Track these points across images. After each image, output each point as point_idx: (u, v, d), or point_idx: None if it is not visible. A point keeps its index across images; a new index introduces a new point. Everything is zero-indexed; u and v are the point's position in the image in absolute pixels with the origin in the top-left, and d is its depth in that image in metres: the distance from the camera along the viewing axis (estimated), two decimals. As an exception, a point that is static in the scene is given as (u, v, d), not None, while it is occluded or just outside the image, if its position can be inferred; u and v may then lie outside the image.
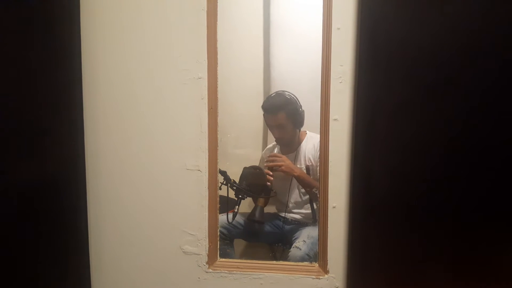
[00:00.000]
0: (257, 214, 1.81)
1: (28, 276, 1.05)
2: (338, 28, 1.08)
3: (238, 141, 2.22)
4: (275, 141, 2.00)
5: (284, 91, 1.92)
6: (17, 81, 0.98)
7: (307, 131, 1.98)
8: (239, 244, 2.01)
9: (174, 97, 1.18)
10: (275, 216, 2.02)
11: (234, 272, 1.22)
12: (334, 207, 1.15)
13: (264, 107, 1.91)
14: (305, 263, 1.25)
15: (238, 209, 1.78)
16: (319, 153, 1.18)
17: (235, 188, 1.79)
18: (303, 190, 1.91)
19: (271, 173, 1.86)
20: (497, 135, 1.03)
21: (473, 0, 1.00)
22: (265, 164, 1.89)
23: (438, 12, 1.02)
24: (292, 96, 1.88)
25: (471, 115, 1.04)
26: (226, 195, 1.75)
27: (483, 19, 1.01)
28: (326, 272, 1.18)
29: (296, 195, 1.95)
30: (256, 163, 2.09)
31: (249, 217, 1.83)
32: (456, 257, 1.09)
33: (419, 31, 1.03)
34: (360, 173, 1.11)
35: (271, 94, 1.96)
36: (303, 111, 1.89)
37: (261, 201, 1.85)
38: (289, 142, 1.95)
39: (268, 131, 2.03)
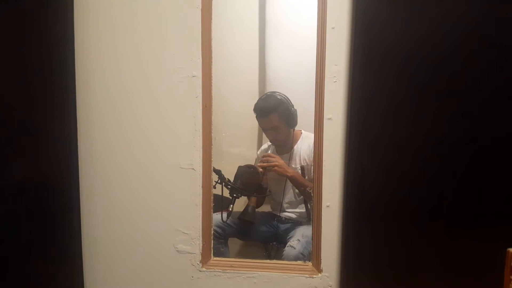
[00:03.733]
0: (248, 213, 1.81)
1: (20, 276, 1.05)
2: (333, 28, 1.09)
3: (233, 140, 2.22)
4: (270, 142, 2.00)
5: (274, 91, 1.91)
6: (9, 80, 0.97)
7: (303, 131, 1.97)
8: (234, 243, 2.01)
9: (168, 95, 1.18)
10: (270, 215, 2.02)
11: (228, 271, 1.22)
12: (328, 206, 1.15)
13: (256, 110, 1.90)
14: (299, 262, 1.26)
15: (232, 208, 1.78)
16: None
17: (229, 187, 1.78)
18: (297, 190, 1.91)
19: (262, 170, 1.86)
20: (491, 135, 1.04)
21: (466, 3, 1.01)
22: (259, 164, 1.89)
23: (433, 12, 1.02)
24: (283, 96, 1.87)
25: (465, 115, 1.04)
26: (220, 194, 1.75)
27: (477, 20, 1.01)
28: (320, 271, 1.18)
29: (290, 194, 1.95)
30: (251, 162, 2.09)
31: (240, 217, 1.82)
32: (449, 256, 1.10)
33: (413, 31, 1.04)
34: (354, 172, 1.12)
35: (262, 96, 1.95)
36: (295, 110, 1.88)
37: (253, 200, 1.84)
38: (284, 143, 1.95)
39: (263, 132, 2.03)
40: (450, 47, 1.03)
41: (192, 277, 1.24)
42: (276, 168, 1.81)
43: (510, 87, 1.01)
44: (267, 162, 1.84)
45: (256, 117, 1.91)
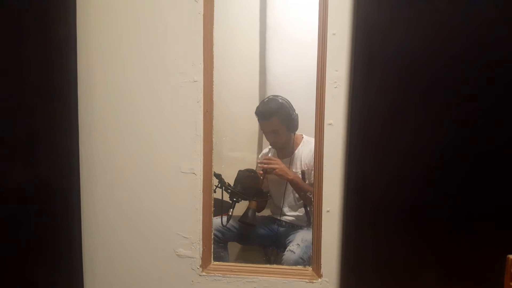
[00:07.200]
0: (248, 216, 1.81)
1: (20, 278, 1.05)
2: (334, 34, 1.09)
3: (233, 144, 2.22)
4: (270, 145, 2.00)
5: (276, 95, 1.92)
6: (11, 83, 0.98)
7: (304, 135, 1.98)
8: (233, 247, 2.00)
9: (170, 100, 1.18)
10: (270, 219, 2.02)
11: (228, 275, 1.22)
12: (328, 211, 1.15)
13: (257, 113, 1.91)
14: (299, 266, 1.25)
15: (232, 212, 1.78)
16: (315, 157, 1.18)
17: (229, 191, 1.79)
18: (297, 195, 1.91)
19: (262, 172, 1.86)
20: (491, 139, 1.04)
21: (467, 9, 1.01)
22: (259, 165, 1.89)
23: (433, 18, 1.03)
24: (285, 100, 1.89)
25: (465, 120, 1.05)
26: (220, 198, 1.75)
27: (478, 26, 1.02)
28: (320, 276, 1.18)
29: (290, 198, 1.95)
30: (251, 166, 2.09)
31: (241, 219, 1.83)
32: (450, 262, 1.10)
33: (414, 37, 1.04)
34: (354, 177, 1.12)
35: (264, 100, 1.96)
36: (296, 115, 1.89)
37: (253, 203, 1.85)
38: (284, 147, 1.95)
39: (263, 135, 2.03)
40: (450, 53, 1.03)
41: (192, 281, 1.24)
42: (277, 170, 1.82)
43: (511, 92, 1.01)
44: (268, 164, 1.84)
45: (258, 120, 1.92)
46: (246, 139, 2.29)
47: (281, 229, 1.95)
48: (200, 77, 1.16)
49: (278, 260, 1.89)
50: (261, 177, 1.87)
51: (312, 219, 1.21)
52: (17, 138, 1.01)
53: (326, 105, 1.12)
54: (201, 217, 1.21)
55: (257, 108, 1.92)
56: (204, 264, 1.23)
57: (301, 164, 1.93)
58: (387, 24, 1.05)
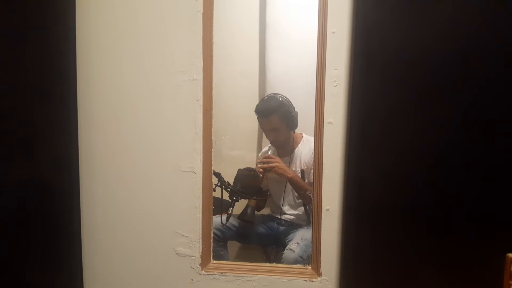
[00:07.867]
0: (247, 214, 1.82)
1: (20, 278, 1.05)
2: (333, 32, 1.09)
3: (233, 143, 2.22)
4: (270, 143, 2.00)
5: (276, 93, 1.92)
6: (10, 82, 0.98)
7: (304, 134, 1.98)
8: (233, 246, 2.01)
9: (169, 98, 1.18)
10: (269, 217, 2.02)
11: (228, 274, 1.22)
12: (327, 210, 1.15)
13: (257, 111, 1.91)
14: (299, 265, 1.25)
15: (232, 211, 1.78)
16: (314, 156, 1.18)
17: (229, 190, 1.79)
18: (296, 194, 1.91)
19: (262, 170, 1.86)
20: (490, 139, 1.04)
21: (466, 9, 1.01)
22: (258, 165, 1.89)
23: (433, 18, 1.03)
24: (285, 98, 1.89)
25: (464, 120, 1.05)
26: (220, 197, 1.75)
27: (477, 26, 1.02)
28: (319, 274, 1.18)
29: (290, 197, 1.95)
30: (251, 164, 2.09)
31: (240, 217, 1.83)
32: (449, 261, 1.10)
33: (414, 36, 1.04)
34: (354, 176, 1.12)
35: (264, 98, 1.97)
36: (296, 112, 1.89)
37: (252, 201, 1.85)
38: (284, 145, 1.95)
39: (263, 133, 2.03)
40: (450, 52, 1.03)
41: (192, 280, 1.24)
42: (276, 168, 1.82)
43: (510, 92, 1.01)
44: (267, 163, 1.84)
45: (258, 118, 1.92)
46: (246, 137, 2.29)
47: (281, 227, 1.95)
48: (199, 76, 1.16)
49: (277, 258, 1.90)
50: (261, 176, 1.87)
51: (311, 218, 1.21)
52: (17, 138, 1.01)
53: (325, 104, 1.12)
54: (200, 215, 1.21)
55: (257, 106, 1.92)
56: (204, 262, 1.23)
57: (300, 163, 1.93)
58: (387, 23, 1.05)
